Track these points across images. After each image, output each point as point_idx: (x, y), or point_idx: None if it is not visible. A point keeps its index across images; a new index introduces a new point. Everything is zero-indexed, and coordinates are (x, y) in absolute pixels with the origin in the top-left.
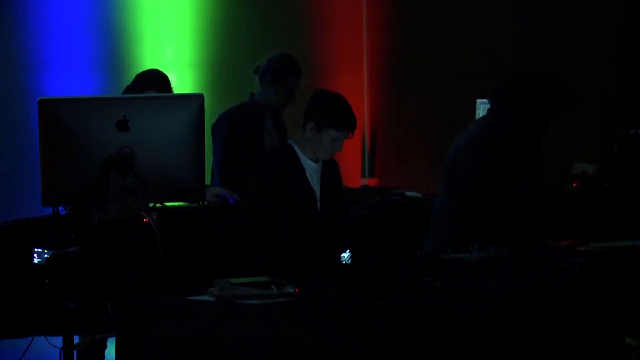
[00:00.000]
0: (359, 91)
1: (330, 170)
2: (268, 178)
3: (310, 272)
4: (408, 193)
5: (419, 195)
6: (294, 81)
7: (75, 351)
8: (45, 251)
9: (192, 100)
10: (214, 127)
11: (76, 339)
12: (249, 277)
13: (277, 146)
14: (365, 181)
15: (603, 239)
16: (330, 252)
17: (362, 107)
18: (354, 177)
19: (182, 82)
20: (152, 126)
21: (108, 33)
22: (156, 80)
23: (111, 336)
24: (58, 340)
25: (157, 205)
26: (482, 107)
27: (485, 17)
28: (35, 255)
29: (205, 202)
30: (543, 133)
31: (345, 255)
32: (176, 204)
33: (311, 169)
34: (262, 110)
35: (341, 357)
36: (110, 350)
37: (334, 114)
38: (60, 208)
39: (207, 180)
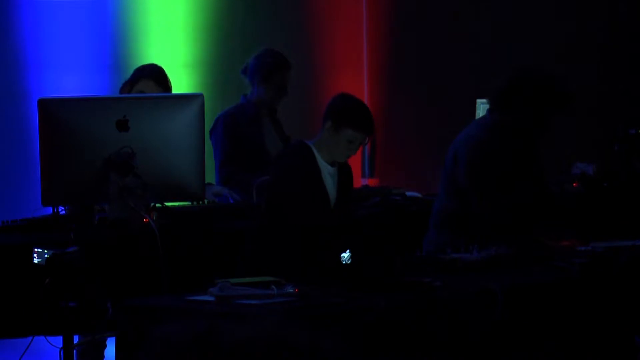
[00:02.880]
0: (359, 91)
1: (345, 174)
2: (285, 178)
3: (319, 272)
4: (408, 193)
5: (419, 195)
6: (285, 75)
7: (75, 351)
8: (45, 251)
9: (192, 100)
10: (212, 131)
11: (76, 339)
12: (250, 278)
13: (296, 146)
14: (365, 181)
15: (603, 239)
16: (334, 253)
17: None
18: (354, 177)
19: (181, 82)
20: (152, 126)
21: (108, 33)
22: (151, 71)
23: (111, 336)
24: (58, 340)
25: (157, 205)
26: (482, 107)
27: (485, 17)
28: (35, 255)
29: (206, 202)
30: (542, 133)
31: (345, 255)
32: (176, 204)
33: (327, 172)
34: (258, 109)
35: (341, 358)
36: (110, 350)
37: (354, 113)
38: (60, 208)
39: (209, 179)
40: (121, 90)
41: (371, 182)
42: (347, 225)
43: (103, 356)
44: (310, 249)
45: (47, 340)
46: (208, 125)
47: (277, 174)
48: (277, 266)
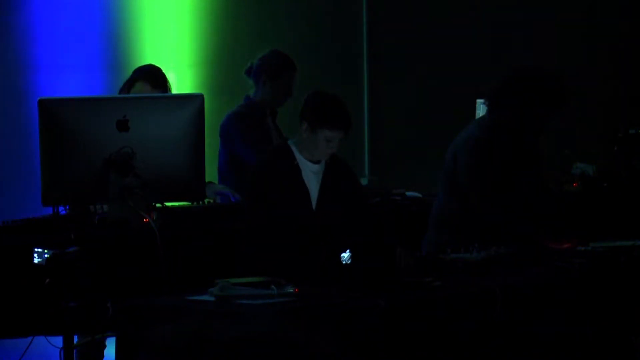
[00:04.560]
0: (359, 91)
1: (337, 171)
2: (259, 178)
3: (301, 271)
4: (408, 193)
5: (419, 195)
6: (290, 77)
7: (75, 351)
8: (45, 251)
9: (192, 100)
10: (227, 128)
11: (76, 339)
12: (242, 277)
13: (276, 146)
14: (366, 181)
15: (603, 239)
16: (328, 252)
17: (362, 107)
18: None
19: (182, 82)
20: (152, 126)
21: (108, 33)
22: (147, 72)
23: (111, 336)
24: (58, 340)
25: (157, 205)
26: (482, 107)
27: (485, 17)
28: (35, 255)
29: (206, 200)
30: (541, 132)
31: (345, 255)
32: (176, 204)
33: (309, 170)
34: (263, 109)
35: (341, 358)
36: (110, 350)
37: (328, 113)
38: (60, 208)
39: (211, 179)
40: (119, 93)
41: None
42: (334, 223)
43: (103, 356)
44: (290, 247)
45: (47, 340)
46: (208, 125)
47: (254, 174)
48: (265, 266)
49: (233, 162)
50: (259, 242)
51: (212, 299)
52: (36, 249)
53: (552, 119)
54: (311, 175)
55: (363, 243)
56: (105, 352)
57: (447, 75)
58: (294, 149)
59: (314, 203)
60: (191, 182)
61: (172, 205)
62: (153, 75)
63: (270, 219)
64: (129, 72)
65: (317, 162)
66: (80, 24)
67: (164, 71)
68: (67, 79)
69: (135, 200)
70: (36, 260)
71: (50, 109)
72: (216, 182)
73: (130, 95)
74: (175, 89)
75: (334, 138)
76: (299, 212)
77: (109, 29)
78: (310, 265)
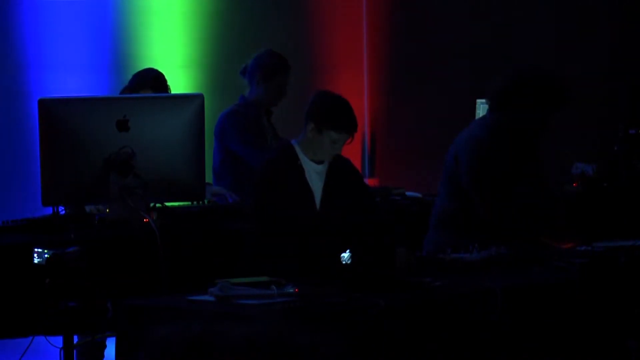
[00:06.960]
0: (359, 91)
1: (341, 170)
2: (263, 177)
3: (302, 271)
4: (408, 193)
5: (419, 195)
6: (284, 77)
7: (75, 351)
8: (45, 251)
9: (192, 100)
10: (222, 127)
11: (76, 339)
12: (248, 277)
13: (279, 146)
14: (365, 181)
15: (603, 239)
16: (330, 252)
17: (362, 107)
18: None
19: (180, 82)
20: (152, 126)
21: (108, 33)
22: (152, 80)
23: (111, 336)
24: (58, 340)
25: (157, 205)
26: (482, 107)
27: (485, 17)
28: (35, 255)
29: (206, 202)
30: (542, 132)
31: (345, 255)
32: (176, 204)
33: (313, 170)
34: (258, 109)
35: (341, 358)
36: (110, 350)
37: (335, 115)
38: (60, 208)
39: (208, 179)
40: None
41: (371, 182)
42: (337, 223)
43: (103, 356)
44: (293, 246)
45: (47, 340)
46: (208, 125)
47: (258, 174)
48: (273, 266)
49: (228, 161)
50: (263, 242)
51: (212, 299)
52: (36, 249)
53: (553, 119)
54: (314, 175)
55: (363, 243)
56: (105, 352)
57: (447, 75)
58: (297, 148)
59: (317, 203)
60: (191, 182)
61: (172, 205)
62: (157, 83)
63: (275, 220)
64: (129, 73)
65: (320, 162)
66: (80, 24)
67: (160, 72)
68: (67, 79)
69: (135, 200)
70: (36, 260)
71: (50, 109)
72: (211, 182)
73: (130, 95)
74: (172, 89)
75: (340, 140)
76: (303, 212)
77: (108, 29)
78: (313, 265)
